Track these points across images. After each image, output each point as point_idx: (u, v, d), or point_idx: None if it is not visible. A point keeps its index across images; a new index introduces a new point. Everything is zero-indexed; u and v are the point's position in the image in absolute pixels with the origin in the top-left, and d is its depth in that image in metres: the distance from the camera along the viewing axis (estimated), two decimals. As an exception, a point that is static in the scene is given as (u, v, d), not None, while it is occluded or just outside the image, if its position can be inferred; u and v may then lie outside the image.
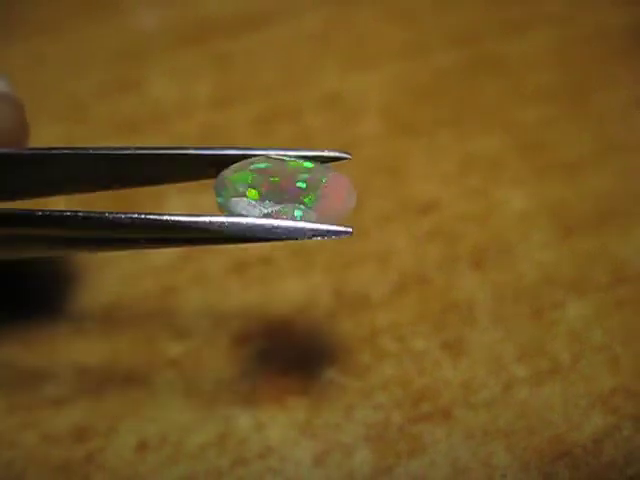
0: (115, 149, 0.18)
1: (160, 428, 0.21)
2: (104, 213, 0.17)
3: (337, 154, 0.18)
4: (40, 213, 0.17)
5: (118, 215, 0.16)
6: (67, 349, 0.23)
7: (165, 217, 0.16)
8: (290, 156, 0.17)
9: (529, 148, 0.27)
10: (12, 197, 0.19)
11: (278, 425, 0.21)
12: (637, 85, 0.30)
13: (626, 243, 0.25)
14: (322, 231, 0.17)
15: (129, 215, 0.16)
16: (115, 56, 0.29)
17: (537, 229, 0.25)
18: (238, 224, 0.16)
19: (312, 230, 0.16)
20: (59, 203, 0.24)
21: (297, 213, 0.17)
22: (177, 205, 0.25)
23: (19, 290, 0.24)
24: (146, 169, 0.18)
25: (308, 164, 0.17)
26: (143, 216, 0.16)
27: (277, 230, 0.16)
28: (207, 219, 0.16)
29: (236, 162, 0.18)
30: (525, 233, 0.25)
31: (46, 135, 0.27)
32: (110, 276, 0.24)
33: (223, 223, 0.16)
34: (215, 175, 0.18)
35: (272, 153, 0.18)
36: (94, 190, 0.19)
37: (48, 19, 0.30)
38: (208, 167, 0.18)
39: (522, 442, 0.21)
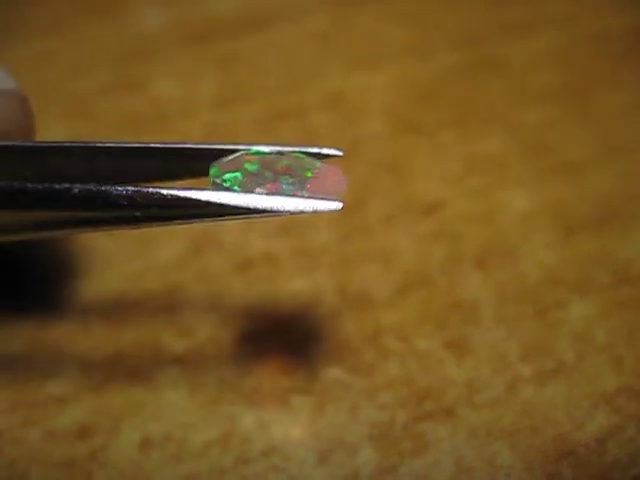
0: (115, 143, 0.18)
1: (164, 426, 0.21)
2: (101, 186, 0.17)
3: (330, 151, 0.18)
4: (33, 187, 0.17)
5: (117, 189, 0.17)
6: (71, 346, 0.22)
7: (163, 191, 0.16)
8: (282, 152, 0.17)
9: (532, 149, 0.27)
10: None
11: (282, 424, 0.21)
12: None
13: (629, 244, 0.25)
14: (311, 204, 0.17)
15: (128, 189, 0.17)
16: (119, 55, 0.29)
17: (540, 230, 0.25)
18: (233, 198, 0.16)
19: (302, 203, 0.17)
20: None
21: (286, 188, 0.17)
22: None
23: (22, 287, 0.24)
24: (146, 165, 0.18)
25: (300, 154, 0.17)
26: (145, 189, 0.17)
27: (269, 204, 0.16)
28: (202, 193, 0.16)
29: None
30: (528, 233, 0.25)
31: (50, 134, 0.27)
32: (114, 273, 0.24)
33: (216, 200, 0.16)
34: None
35: (265, 149, 0.18)
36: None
37: (52, 18, 0.30)
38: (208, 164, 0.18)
39: (526, 441, 0.21)
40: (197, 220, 0.17)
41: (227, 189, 0.17)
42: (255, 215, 0.17)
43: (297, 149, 0.18)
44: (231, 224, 0.25)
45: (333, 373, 0.22)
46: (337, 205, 0.17)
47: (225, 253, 0.24)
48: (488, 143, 0.27)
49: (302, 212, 0.17)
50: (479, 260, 0.24)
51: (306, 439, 0.21)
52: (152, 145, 0.18)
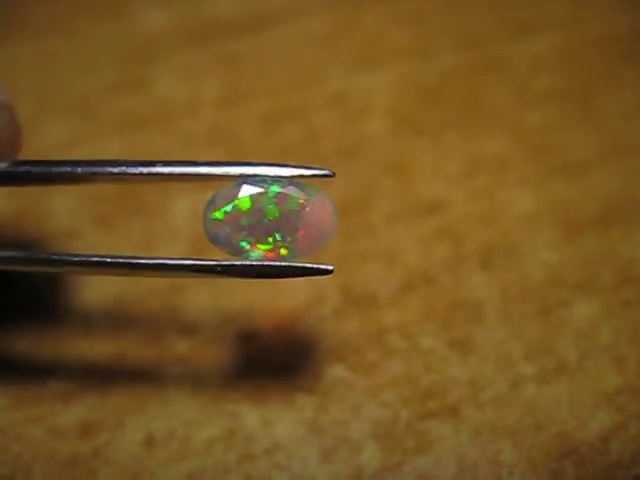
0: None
1: (167, 424, 0.21)
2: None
3: (320, 172, 0.18)
4: None
5: None
6: (74, 344, 0.23)
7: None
8: (272, 178, 0.18)
9: (535, 149, 0.27)
10: None
11: (285, 422, 0.21)
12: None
13: (632, 243, 0.25)
14: (299, 269, 0.18)
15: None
16: (123, 55, 0.29)
17: (543, 229, 0.25)
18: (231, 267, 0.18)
19: (290, 268, 0.18)
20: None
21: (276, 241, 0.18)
22: (183, 205, 0.25)
23: (25, 285, 0.24)
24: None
25: (293, 199, 0.18)
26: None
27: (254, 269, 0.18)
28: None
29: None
30: (531, 233, 0.25)
31: (54, 133, 0.27)
32: (117, 272, 0.24)
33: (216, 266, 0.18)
34: None
35: (250, 171, 0.18)
36: None
37: (54, 18, 0.30)
38: None
39: (529, 440, 0.21)
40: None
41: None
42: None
43: (283, 173, 0.18)
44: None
45: (336, 371, 0.22)
46: (327, 269, 0.19)
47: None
48: (491, 143, 0.27)
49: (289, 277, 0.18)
50: (482, 259, 0.24)
51: (309, 437, 0.21)
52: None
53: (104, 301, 0.23)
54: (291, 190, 0.18)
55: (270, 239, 0.18)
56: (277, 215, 0.18)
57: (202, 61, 0.29)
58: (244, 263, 0.18)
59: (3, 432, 0.21)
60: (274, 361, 0.22)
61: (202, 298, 0.24)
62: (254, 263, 0.18)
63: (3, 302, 0.23)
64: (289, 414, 0.21)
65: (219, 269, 0.18)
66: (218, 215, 0.18)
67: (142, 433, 0.21)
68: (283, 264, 0.18)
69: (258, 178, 0.18)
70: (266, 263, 0.18)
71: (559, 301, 0.23)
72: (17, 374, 0.22)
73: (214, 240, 0.18)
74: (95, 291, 0.24)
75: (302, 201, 0.18)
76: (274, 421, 0.21)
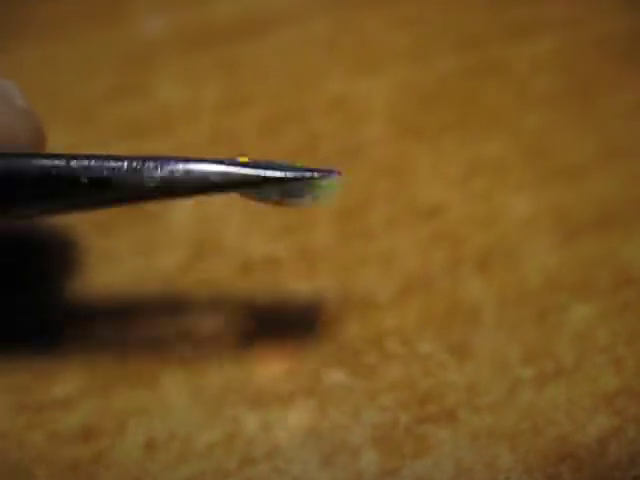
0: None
1: (168, 427, 0.21)
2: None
3: (322, 174, 0.18)
4: None
5: None
6: (74, 348, 0.23)
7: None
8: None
9: (533, 152, 0.27)
10: None
11: (285, 426, 0.21)
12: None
13: (630, 246, 0.25)
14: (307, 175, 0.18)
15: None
16: (122, 61, 0.30)
17: (541, 233, 0.25)
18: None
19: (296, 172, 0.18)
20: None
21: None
22: (184, 205, 0.26)
23: (26, 290, 0.24)
24: None
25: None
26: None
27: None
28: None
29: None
30: (529, 237, 0.25)
31: (54, 140, 0.27)
32: (117, 276, 0.24)
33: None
34: None
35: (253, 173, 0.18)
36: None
37: (54, 24, 0.31)
38: None
39: (526, 444, 0.21)
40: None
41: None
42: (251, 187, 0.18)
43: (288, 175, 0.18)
44: (232, 227, 0.25)
45: (335, 375, 0.22)
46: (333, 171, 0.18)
47: (227, 256, 0.25)
48: (490, 146, 0.28)
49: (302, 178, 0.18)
50: (480, 263, 0.24)
51: (309, 441, 0.21)
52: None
53: (103, 306, 0.24)
54: None
55: None
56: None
57: (202, 66, 0.30)
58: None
59: (4, 437, 0.21)
60: (273, 365, 0.23)
61: (202, 302, 0.24)
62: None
63: (4, 308, 0.23)
64: (289, 418, 0.22)
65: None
66: None
67: (143, 437, 0.21)
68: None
69: None
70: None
71: (557, 305, 0.24)
72: (18, 380, 0.22)
73: None
74: (94, 295, 0.24)
75: None
76: (274, 425, 0.21)
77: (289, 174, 0.18)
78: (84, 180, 0.18)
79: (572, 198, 0.26)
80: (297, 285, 0.24)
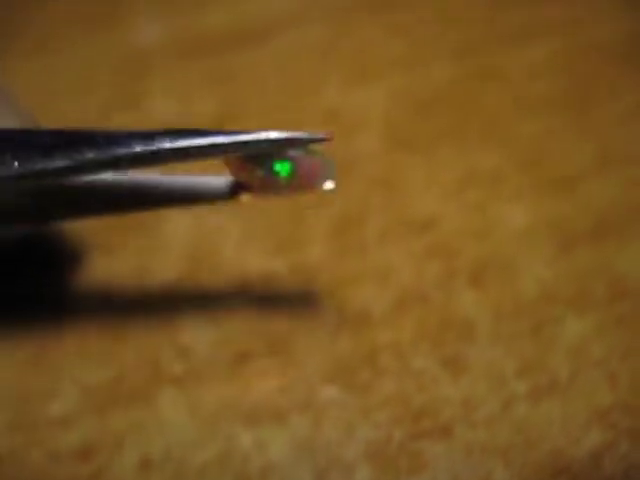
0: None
1: (163, 446, 0.21)
2: None
3: (313, 136, 0.18)
4: None
5: None
6: (71, 367, 0.23)
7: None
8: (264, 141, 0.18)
9: (529, 162, 0.27)
10: None
11: (279, 443, 0.21)
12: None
13: (625, 257, 0.25)
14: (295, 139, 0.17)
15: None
16: (116, 72, 0.30)
17: (537, 244, 0.25)
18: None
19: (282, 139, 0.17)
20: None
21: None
22: (181, 219, 0.26)
23: (22, 308, 0.24)
24: None
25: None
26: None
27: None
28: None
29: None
30: (524, 248, 0.25)
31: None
32: (113, 293, 0.24)
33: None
34: None
35: (241, 138, 0.18)
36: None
37: (46, 36, 0.31)
38: None
39: (520, 459, 0.21)
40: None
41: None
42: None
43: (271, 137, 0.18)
44: (229, 241, 0.25)
45: (330, 392, 0.22)
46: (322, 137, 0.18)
47: (222, 271, 0.25)
48: (485, 156, 0.27)
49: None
50: (475, 276, 0.24)
51: (303, 457, 0.21)
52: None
53: (99, 324, 0.24)
54: None
55: None
56: None
57: (196, 77, 0.30)
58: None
59: (1, 457, 0.21)
60: (268, 382, 0.23)
61: (197, 318, 0.24)
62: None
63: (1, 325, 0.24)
64: (283, 435, 0.22)
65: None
66: None
67: (139, 456, 0.21)
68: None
69: None
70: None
71: (552, 318, 0.23)
72: (15, 398, 0.22)
73: None
74: (92, 313, 0.24)
75: None
76: (268, 442, 0.22)
77: (283, 135, 0.18)
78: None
79: (568, 207, 0.26)
80: (292, 300, 0.24)
